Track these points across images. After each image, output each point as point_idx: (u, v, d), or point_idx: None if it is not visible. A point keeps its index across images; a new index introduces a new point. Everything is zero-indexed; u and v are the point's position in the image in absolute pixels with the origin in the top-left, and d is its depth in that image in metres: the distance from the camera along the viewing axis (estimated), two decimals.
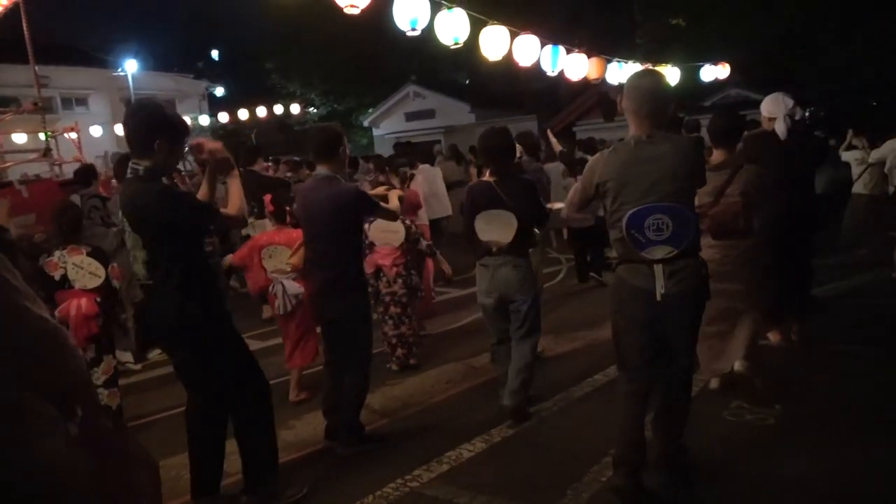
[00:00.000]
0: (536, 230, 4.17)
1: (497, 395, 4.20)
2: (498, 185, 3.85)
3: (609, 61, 9.74)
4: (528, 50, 7.63)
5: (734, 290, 3.80)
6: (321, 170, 3.65)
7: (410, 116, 21.93)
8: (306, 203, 3.66)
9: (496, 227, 3.81)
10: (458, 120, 20.56)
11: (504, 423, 3.86)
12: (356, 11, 5.98)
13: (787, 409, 3.74)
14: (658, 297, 2.78)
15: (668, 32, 17.09)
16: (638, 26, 19.40)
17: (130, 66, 26.22)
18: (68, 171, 8.94)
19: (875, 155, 7.46)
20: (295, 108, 21.87)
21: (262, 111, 20.17)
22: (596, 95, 16.73)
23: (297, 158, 10.60)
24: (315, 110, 26.32)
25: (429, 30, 6.40)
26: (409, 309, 5.15)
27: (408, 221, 5.22)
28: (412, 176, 7.63)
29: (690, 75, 12.22)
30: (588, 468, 3.23)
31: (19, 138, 10.96)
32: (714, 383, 4.04)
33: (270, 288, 4.52)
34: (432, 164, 9.59)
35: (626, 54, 12.02)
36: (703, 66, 12.13)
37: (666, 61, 11.98)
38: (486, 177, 4.01)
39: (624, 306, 2.94)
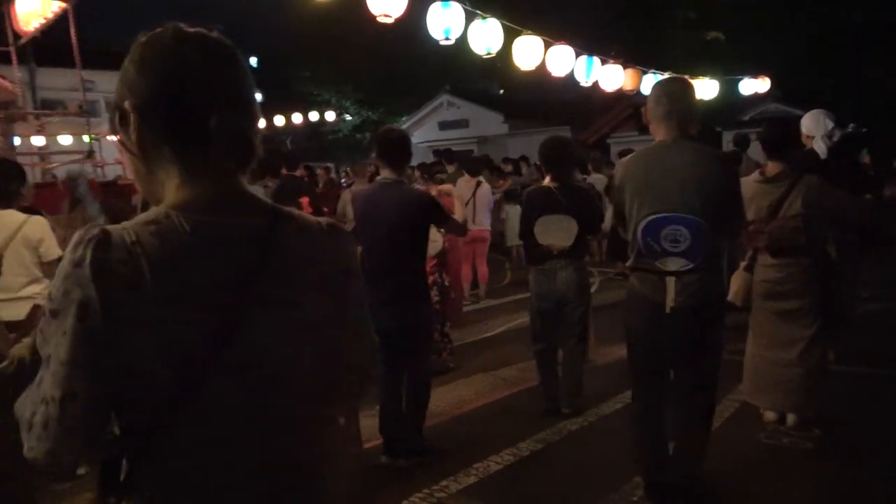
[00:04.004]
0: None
1: (528, 407, 4.20)
2: (558, 191, 3.98)
3: (645, 72, 9.67)
4: (562, 60, 7.61)
5: (796, 311, 3.60)
6: (386, 174, 3.51)
7: (444, 125, 22.02)
8: (369, 208, 3.49)
9: (557, 231, 3.95)
10: (492, 130, 20.60)
11: (533, 437, 3.82)
12: (390, 20, 6.04)
13: (826, 434, 3.63)
14: (667, 310, 2.70)
15: (704, 46, 16.87)
16: (673, 39, 19.20)
17: None
18: (110, 172, 9.16)
19: None
20: (330, 116, 22.12)
21: (297, 118, 20.43)
22: (630, 107, 16.61)
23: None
24: (349, 118, 26.55)
25: (462, 39, 6.43)
26: (440, 315, 5.18)
27: (442, 231, 5.23)
28: (479, 184, 7.62)
29: (728, 89, 12.03)
30: (618, 487, 3.17)
31: (65, 140, 11.28)
32: (770, 415, 3.80)
33: None
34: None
35: (661, 66, 11.91)
36: (741, 79, 11.93)
37: (703, 74, 11.82)
38: (546, 182, 4.11)
39: (633, 316, 2.89)
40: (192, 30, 1.01)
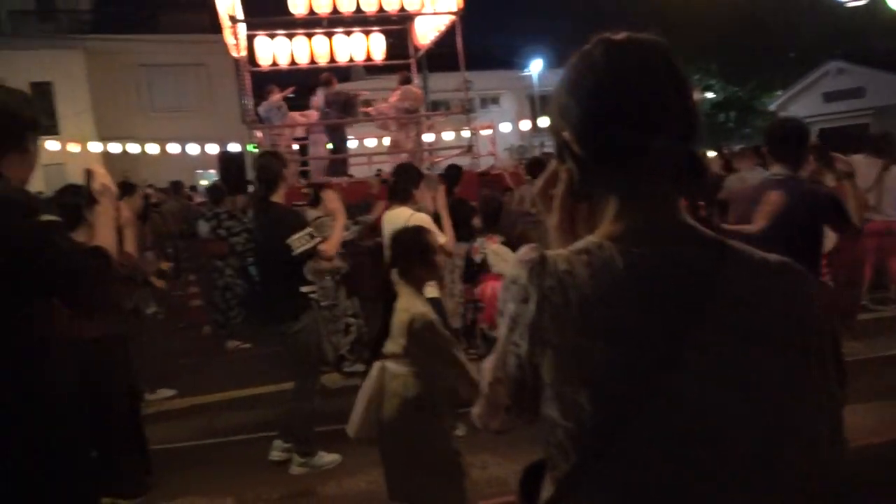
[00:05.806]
0: None
1: None
2: None
3: None
4: None
5: None
6: (776, 169, 3.17)
7: (830, 97, 18.97)
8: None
9: None
10: None
11: None
12: None
13: None
14: None
15: None
16: None
17: (535, 66, 28.46)
18: (483, 163, 10.13)
19: None
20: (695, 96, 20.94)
21: None
22: None
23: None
24: (713, 96, 24.73)
25: None
26: None
27: None
28: (887, 167, 6.47)
29: None
30: None
31: (447, 136, 12.85)
32: None
33: None
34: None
35: None
36: None
37: None
38: None
39: None
40: (621, 38, 0.94)
